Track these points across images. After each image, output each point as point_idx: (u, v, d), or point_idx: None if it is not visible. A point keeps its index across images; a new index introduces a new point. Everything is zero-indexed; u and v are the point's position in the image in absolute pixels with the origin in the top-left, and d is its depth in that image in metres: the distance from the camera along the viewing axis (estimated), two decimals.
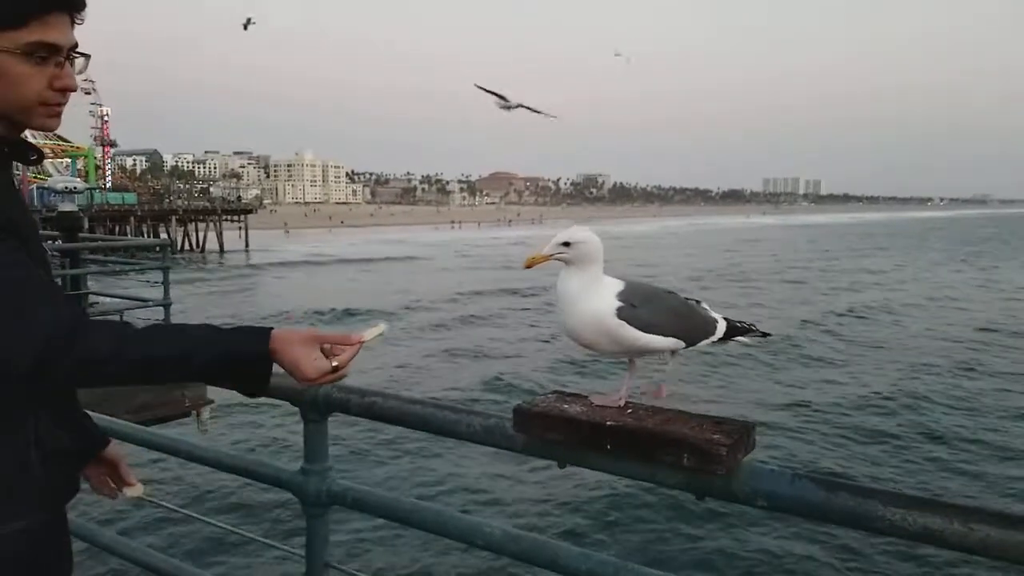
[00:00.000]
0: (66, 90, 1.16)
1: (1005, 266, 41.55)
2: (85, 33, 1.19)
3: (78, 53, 1.17)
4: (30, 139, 1.28)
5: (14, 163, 1.23)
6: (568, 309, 1.31)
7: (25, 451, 1.16)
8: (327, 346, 1.13)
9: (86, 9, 1.16)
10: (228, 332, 1.12)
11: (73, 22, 1.16)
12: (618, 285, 1.33)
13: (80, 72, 1.19)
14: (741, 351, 15.82)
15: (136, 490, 1.49)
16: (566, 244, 1.30)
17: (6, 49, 1.09)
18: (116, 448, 1.50)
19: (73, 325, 1.04)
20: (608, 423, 1.26)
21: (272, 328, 1.14)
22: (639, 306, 1.31)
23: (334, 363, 1.12)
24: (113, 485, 1.49)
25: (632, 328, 1.30)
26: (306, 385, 1.14)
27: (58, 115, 1.18)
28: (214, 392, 7.36)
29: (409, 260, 47.41)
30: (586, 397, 1.38)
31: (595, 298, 1.30)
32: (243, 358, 1.11)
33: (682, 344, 1.36)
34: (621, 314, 1.29)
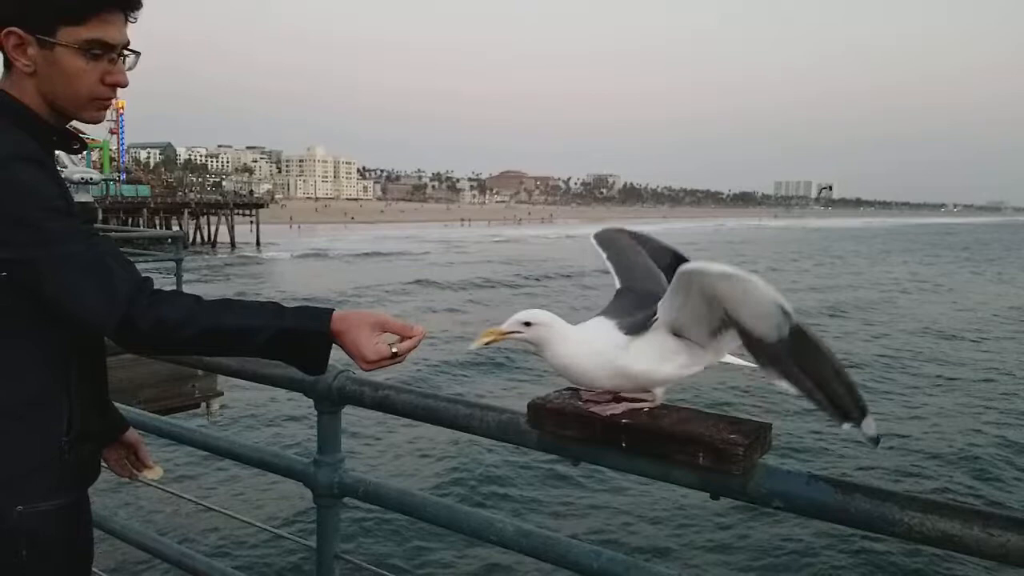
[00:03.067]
0: (117, 85, 1.22)
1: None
2: None
3: (129, 50, 1.23)
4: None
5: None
6: (577, 368, 1.24)
7: (60, 433, 1.21)
8: (388, 333, 1.18)
9: (140, 9, 1.22)
10: (292, 310, 1.18)
11: (127, 20, 1.21)
12: (607, 323, 1.26)
13: (130, 69, 1.25)
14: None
15: (154, 473, 1.54)
16: (527, 324, 1.24)
17: (65, 44, 1.15)
18: (135, 433, 1.58)
19: (152, 291, 1.13)
20: (623, 421, 1.25)
21: (333, 309, 1.18)
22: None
23: (394, 350, 1.17)
24: (132, 468, 1.56)
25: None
26: (366, 368, 1.18)
27: (106, 109, 1.26)
28: (223, 384, 7.43)
29: (422, 255, 47.83)
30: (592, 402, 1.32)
31: (595, 343, 1.23)
32: (304, 336, 1.16)
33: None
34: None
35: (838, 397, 1.03)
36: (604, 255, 1.53)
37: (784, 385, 1.06)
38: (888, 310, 24.54)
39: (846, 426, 1.03)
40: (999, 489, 8.90)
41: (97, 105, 1.22)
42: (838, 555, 6.89)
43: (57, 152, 1.31)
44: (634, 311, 1.32)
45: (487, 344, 1.23)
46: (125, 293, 1.10)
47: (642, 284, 1.43)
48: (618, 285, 1.44)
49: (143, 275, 1.15)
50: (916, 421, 11.59)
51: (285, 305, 1.19)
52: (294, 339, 1.15)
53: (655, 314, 1.23)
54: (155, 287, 1.14)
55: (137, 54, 1.24)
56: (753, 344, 1.09)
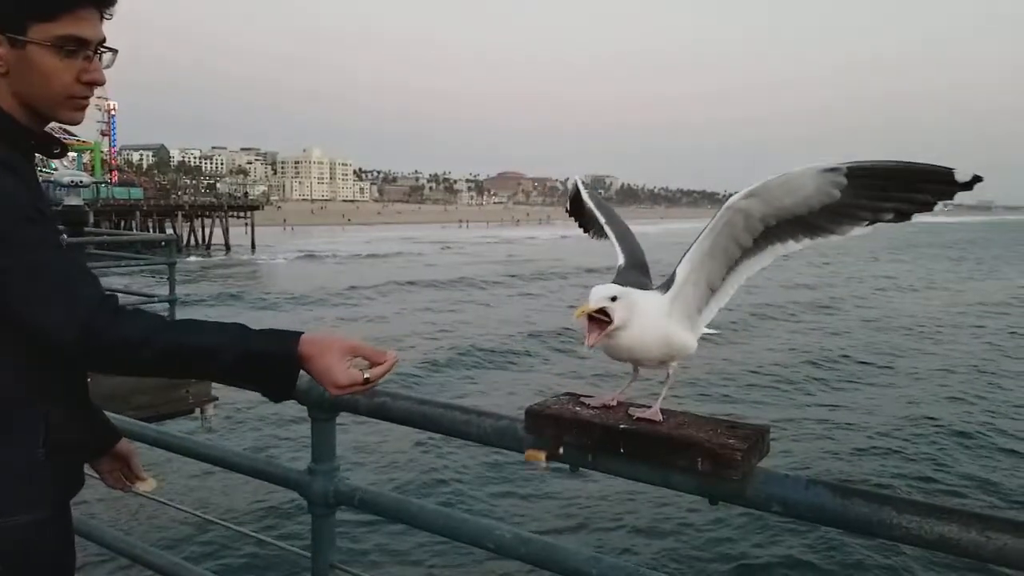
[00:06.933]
0: (93, 84, 1.18)
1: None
2: None
3: (106, 48, 1.19)
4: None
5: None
6: (641, 341, 1.26)
7: (35, 444, 1.17)
8: (359, 358, 1.14)
9: (115, 5, 1.18)
10: (259, 332, 1.14)
11: (102, 17, 1.18)
12: (657, 294, 1.29)
13: (107, 67, 1.21)
14: (756, 354, 15.95)
15: (147, 485, 1.51)
16: (613, 299, 1.22)
17: (37, 41, 1.11)
18: (127, 443, 1.54)
19: (114, 305, 1.09)
20: (622, 426, 1.24)
21: (302, 333, 1.14)
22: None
23: (366, 375, 1.13)
24: (125, 480, 1.52)
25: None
26: (336, 393, 1.14)
27: (84, 108, 1.21)
28: (218, 390, 7.38)
29: (419, 256, 47.94)
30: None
31: (657, 309, 1.26)
32: (271, 359, 1.11)
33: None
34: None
35: (918, 186, 1.10)
36: (601, 219, 1.56)
37: (859, 230, 1.15)
38: (879, 307, 24.69)
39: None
40: (993, 482, 8.93)
41: (74, 105, 1.18)
42: (837, 559, 6.89)
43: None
44: (646, 283, 1.36)
45: (597, 341, 1.22)
46: (87, 308, 1.06)
47: (640, 261, 1.47)
48: (621, 260, 1.45)
49: (107, 292, 1.12)
50: (909, 417, 11.63)
51: (251, 327, 1.15)
52: (260, 362, 1.11)
53: (672, 280, 1.28)
54: (119, 304, 1.11)
55: (114, 51, 1.20)
56: (811, 221, 1.18)
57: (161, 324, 1.11)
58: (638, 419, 1.27)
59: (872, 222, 1.14)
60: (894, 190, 1.11)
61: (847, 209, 1.14)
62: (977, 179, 1.07)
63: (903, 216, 1.12)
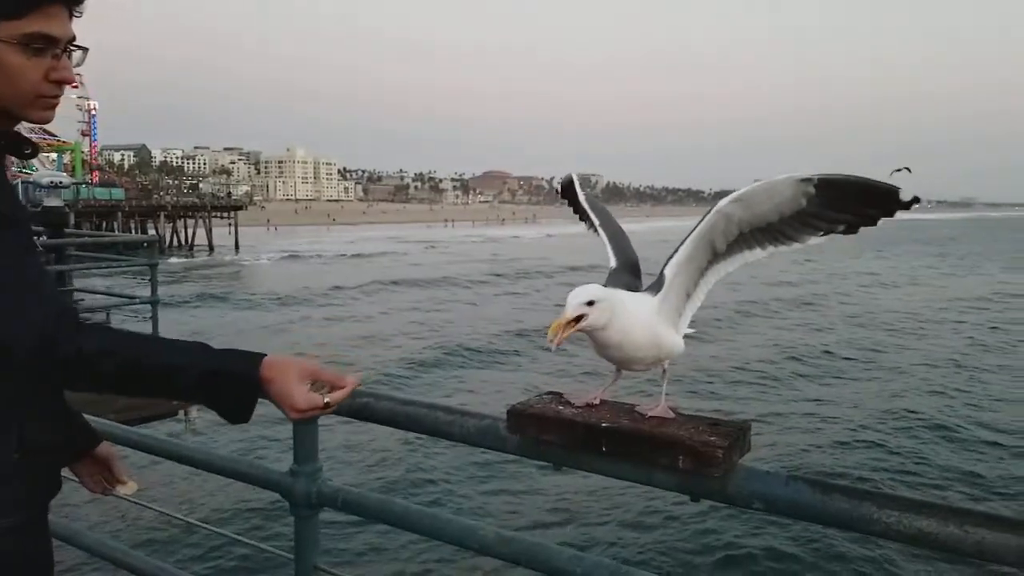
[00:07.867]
0: (63, 83, 1.15)
1: None
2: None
3: (75, 46, 1.16)
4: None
5: None
6: (631, 342, 1.28)
7: (8, 449, 1.14)
8: (319, 382, 1.13)
9: (84, 2, 1.15)
10: (221, 352, 1.13)
11: (72, 15, 1.15)
12: (647, 296, 1.30)
13: (77, 65, 1.18)
14: (741, 350, 16.08)
15: (128, 488, 1.48)
16: (589, 303, 1.22)
17: (3, 39, 1.08)
18: (108, 446, 1.50)
19: (74, 318, 1.07)
20: (603, 424, 1.25)
21: (264, 355, 1.13)
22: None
23: (326, 399, 1.13)
24: (106, 483, 1.49)
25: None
26: (296, 417, 1.13)
27: (54, 108, 1.18)
28: None
29: (403, 255, 47.81)
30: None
31: (645, 310, 1.28)
32: (233, 379, 1.10)
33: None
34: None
35: (870, 201, 1.17)
36: (595, 220, 1.59)
37: (815, 240, 1.23)
38: (862, 303, 25.01)
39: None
40: (974, 474, 9.07)
41: (43, 104, 1.15)
42: (821, 552, 6.96)
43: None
44: (637, 285, 1.38)
45: (563, 338, 1.22)
46: (45, 320, 1.04)
47: (632, 262, 1.49)
48: (613, 263, 1.47)
49: (66, 305, 1.11)
50: (890, 411, 11.78)
51: (213, 347, 1.14)
52: (222, 383, 1.10)
53: (660, 282, 1.30)
54: (79, 318, 1.10)
55: (85, 50, 1.17)
56: (790, 225, 1.25)
57: (120, 340, 1.10)
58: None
59: (827, 232, 1.22)
60: (851, 202, 1.19)
61: (808, 219, 1.22)
62: (916, 200, 1.15)
63: (851, 229, 1.20)
